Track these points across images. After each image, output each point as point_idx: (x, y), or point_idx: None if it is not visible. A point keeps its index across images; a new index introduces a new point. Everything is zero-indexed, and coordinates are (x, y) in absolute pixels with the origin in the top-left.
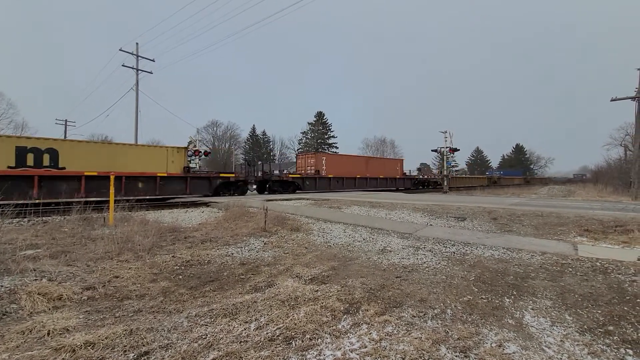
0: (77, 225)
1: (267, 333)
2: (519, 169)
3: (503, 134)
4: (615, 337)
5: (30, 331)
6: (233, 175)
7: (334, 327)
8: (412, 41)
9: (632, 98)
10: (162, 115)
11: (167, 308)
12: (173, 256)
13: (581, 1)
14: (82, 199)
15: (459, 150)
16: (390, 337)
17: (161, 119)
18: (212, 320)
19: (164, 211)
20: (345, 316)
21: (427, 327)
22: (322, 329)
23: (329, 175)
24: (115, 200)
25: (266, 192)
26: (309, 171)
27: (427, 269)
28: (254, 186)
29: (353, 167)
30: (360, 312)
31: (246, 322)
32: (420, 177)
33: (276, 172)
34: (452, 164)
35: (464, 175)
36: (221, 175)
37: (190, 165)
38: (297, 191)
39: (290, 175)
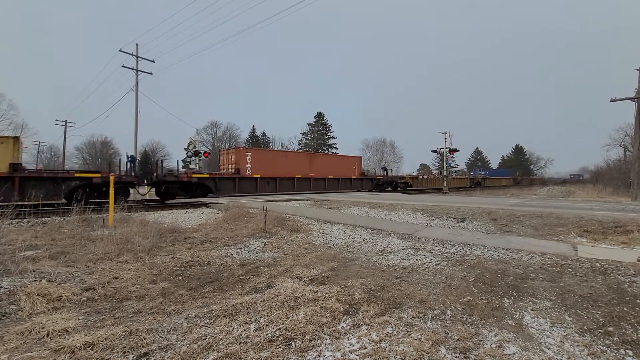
0: (77, 226)
1: (266, 334)
2: (519, 169)
3: (503, 135)
4: (615, 338)
5: (29, 332)
6: (99, 175)
7: (334, 328)
8: (412, 41)
9: (632, 99)
10: (163, 116)
11: (166, 309)
12: (173, 257)
13: (581, 1)
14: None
15: (458, 150)
16: (390, 338)
17: (161, 120)
18: (212, 321)
19: (164, 212)
20: (345, 317)
21: (426, 328)
22: (322, 329)
23: (255, 176)
24: None
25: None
26: (230, 170)
27: (426, 270)
28: (145, 189)
29: (291, 165)
30: (360, 313)
31: (246, 323)
32: (384, 177)
33: (174, 170)
34: (451, 165)
35: (434, 177)
36: (77, 175)
37: (190, 166)
38: (210, 195)
39: (194, 175)
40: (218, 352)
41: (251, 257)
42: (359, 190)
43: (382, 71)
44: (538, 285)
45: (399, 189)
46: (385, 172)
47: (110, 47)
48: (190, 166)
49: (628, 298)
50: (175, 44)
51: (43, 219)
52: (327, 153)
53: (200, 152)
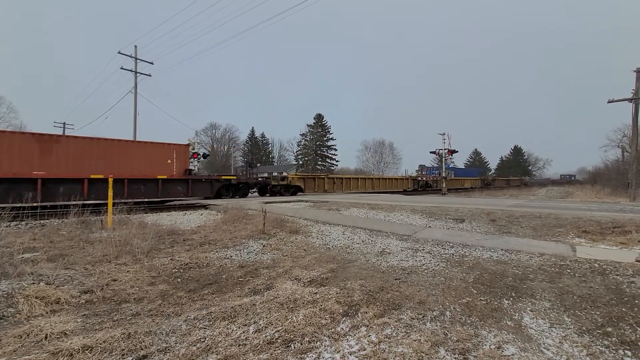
0: (75, 228)
1: (265, 336)
2: (517, 170)
3: (502, 135)
4: (613, 338)
5: (27, 335)
6: None
7: (333, 330)
8: (412, 41)
9: (629, 100)
10: (162, 117)
11: (165, 311)
12: (171, 259)
13: (581, 1)
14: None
15: (457, 152)
16: (389, 340)
17: (160, 122)
18: (211, 323)
19: (163, 214)
20: (344, 318)
21: (426, 329)
22: (321, 331)
23: None
24: None
25: None
26: None
27: (426, 271)
28: None
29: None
30: (359, 314)
31: (245, 325)
32: (243, 176)
33: None
34: (450, 166)
35: (358, 175)
36: None
37: (190, 167)
38: None
39: None
40: (217, 354)
41: (250, 258)
42: (196, 196)
43: (382, 71)
44: (537, 286)
45: (267, 194)
46: (248, 169)
47: (110, 48)
48: (190, 167)
49: (626, 298)
50: (175, 45)
51: (41, 221)
52: (101, 137)
53: (199, 154)
